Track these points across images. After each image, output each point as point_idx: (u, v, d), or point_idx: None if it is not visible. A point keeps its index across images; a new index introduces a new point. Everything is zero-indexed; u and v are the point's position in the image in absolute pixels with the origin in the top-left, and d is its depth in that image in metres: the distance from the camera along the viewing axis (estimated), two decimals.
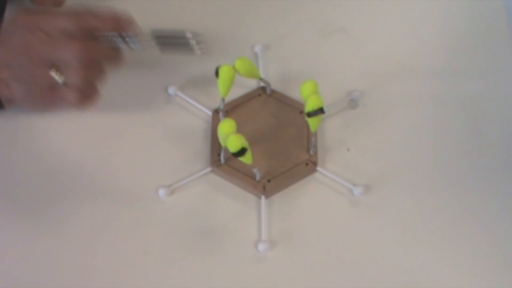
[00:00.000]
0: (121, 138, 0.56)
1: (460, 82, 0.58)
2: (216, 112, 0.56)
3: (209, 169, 0.53)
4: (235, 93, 0.56)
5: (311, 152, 0.53)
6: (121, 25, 0.52)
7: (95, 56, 0.51)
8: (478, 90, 0.58)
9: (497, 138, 0.55)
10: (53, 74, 0.50)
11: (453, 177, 0.53)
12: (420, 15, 0.64)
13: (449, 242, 0.49)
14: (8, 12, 0.60)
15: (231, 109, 0.56)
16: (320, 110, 0.50)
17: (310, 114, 0.50)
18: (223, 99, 0.55)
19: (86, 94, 0.52)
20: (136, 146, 0.55)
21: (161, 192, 0.52)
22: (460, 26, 0.63)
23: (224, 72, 0.52)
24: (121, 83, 0.59)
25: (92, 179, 0.53)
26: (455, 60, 0.61)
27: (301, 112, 0.55)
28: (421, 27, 0.63)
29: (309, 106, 0.50)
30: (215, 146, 0.54)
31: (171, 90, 0.58)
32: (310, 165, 0.53)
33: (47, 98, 0.52)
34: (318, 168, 0.53)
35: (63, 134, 0.56)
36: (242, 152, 0.48)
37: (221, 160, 0.53)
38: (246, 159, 0.48)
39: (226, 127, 0.48)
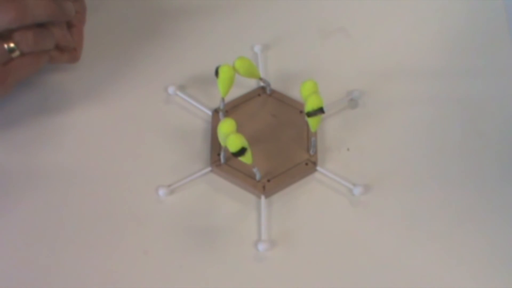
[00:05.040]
0: (121, 138, 0.56)
1: (460, 82, 0.58)
2: (216, 112, 0.56)
3: (209, 169, 0.53)
4: (235, 93, 0.56)
5: (311, 152, 0.53)
6: None
7: (32, 11, 0.50)
8: (478, 90, 0.58)
9: (498, 138, 0.55)
10: (6, 46, 0.50)
11: (453, 177, 0.53)
12: (420, 15, 0.64)
13: (450, 242, 0.49)
14: None
15: (231, 108, 0.56)
16: (320, 110, 0.50)
17: (310, 114, 0.50)
18: (223, 99, 0.55)
19: (41, 56, 0.52)
20: (135, 146, 0.55)
21: (161, 191, 0.52)
22: (460, 26, 0.63)
23: (224, 71, 0.52)
24: (120, 82, 0.59)
25: (91, 178, 0.53)
26: (455, 60, 0.60)
27: (301, 112, 0.55)
28: (421, 27, 0.63)
29: (309, 106, 0.50)
30: (215, 146, 0.54)
31: (171, 89, 0.58)
32: (310, 165, 0.53)
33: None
34: (318, 168, 0.53)
35: (61, 134, 0.56)
36: (242, 152, 0.48)
37: (221, 160, 0.53)
38: (246, 159, 0.48)
39: (226, 126, 0.48)
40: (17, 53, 0.51)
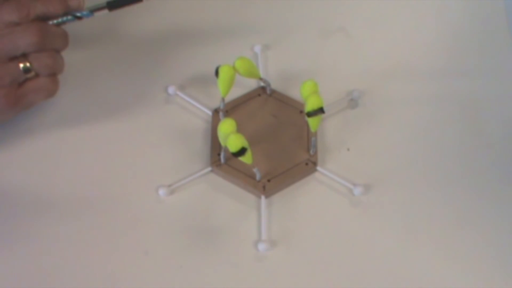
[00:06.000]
0: (121, 138, 0.56)
1: (460, 82, 0.58)
2: (216, 112, 0.56)
3: (209, 169, 0.53)
4: (235, 93, 0.56)
5: (311, 152, 0.53)
6: (69, 4, 0.52)
7: (51, 37, 0.51)
8: (478, 90, 0.58)
9: (498, 138, 0.55)
10: (21, 65, 0.50)
11: (453, 176, 0.53)
12: (420, 15, 0.64)
13: (450, 242, 0.49)
14: None
15: (231, 108, 0.56)
16: (320, 110, 0.50)
17: (310, 114, 0.50)
18: (223, 99, 0.55)
19: (55, 80, 0.52)
20: (135, 146, 0.55)
21: (161, 191, 0.52)
22: (460, 26, 0.63)
23: (224, 71, 0.52)
24: (120, 83, 0.59)
25: (91, 179, 0.53)
26: (455, 60, 0.61)
27: (301, 112, 0.55)
28: (421, 27, 0.63)
29: (309, 106, 0.50)
30: (215, 146, 0.54)
31: (171, 90, 0.58)
32: (310, 165, 0.53)
33: (12, 97, 0.51)
34: (318, 168, 0.53)
35: (62, 134, 0.56)
36: (242, 152, 0.48)
37: (221, 160, 0.53)
38: (246, 159, 0.48)
39: (226, 126, 0.48)
40: (32, 73, 0.51)
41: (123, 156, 0.54)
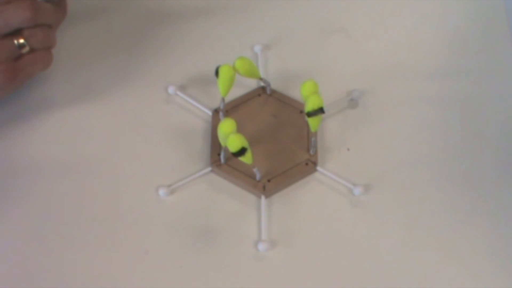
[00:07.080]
0: (121, 138, 0.56)
1: (460, 82, 0.58)
2: (216, 112, 0.56)
3: (209, 169, 0.53)
4: (235, 93, 0.56)
5: (311, 152, 0.53)
6: None
7: (43, 12, 0.52)
8: (478, 90, 0.58)
9: (497, 138, 0.55)
10: (16, 41, 0.51)
11: (453, 176, 0.53)
12: (420, 15, 0.64)
13: (450, 242, 0.49)
14: None
15: (231, 108, 0.56)
16: (320, 110, 0.50)
17: (310, 114, 0.50)
18: (223, 99, 0.55)
19: (50, 53, 0.54)
20: (135, 146, 0.55)
21: (161, 192, 0.52)
22: (460, 26, 0.63)
23: (224, 71, 0.52)
24: (120, 82, 0.59)
25: (91, 179, 0.53)
26: (455, 60, 0.61)
27: (301, 112, 0.55)
28: (421, 27, 0.63)
29: (309, 106, 0.50)
30: (215, 146, 0.54)
31: (171, 89, 0.58)
32: (310, 165, 0.53)
33: (10, 72, 0.52)
34: (318, 168, 0.53)
35: (62, 134, 0.56)
36: (242, 152, 0.48)
37: (221, 160, 0.53)
38: (246, 159, 0.48)
39: (226, 127, 0.48)
40: (26, 48, 0.52)
41: (123, 156, 0.54)
